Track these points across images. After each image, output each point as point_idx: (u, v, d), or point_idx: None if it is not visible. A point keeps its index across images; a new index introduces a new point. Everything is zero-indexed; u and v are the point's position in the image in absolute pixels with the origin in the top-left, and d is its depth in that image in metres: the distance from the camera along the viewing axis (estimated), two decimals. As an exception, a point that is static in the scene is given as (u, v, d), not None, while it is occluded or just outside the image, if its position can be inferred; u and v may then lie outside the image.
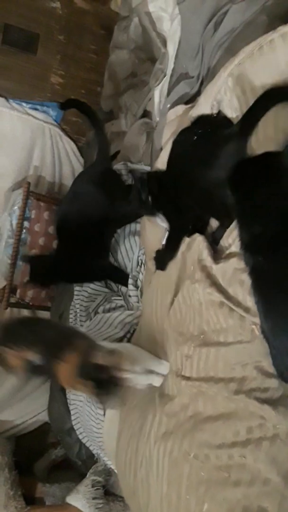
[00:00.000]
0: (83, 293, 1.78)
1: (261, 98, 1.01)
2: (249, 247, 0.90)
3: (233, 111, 1.13)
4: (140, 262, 1.63)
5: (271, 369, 0.95)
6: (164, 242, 1.33)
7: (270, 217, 0.88)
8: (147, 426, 1.20)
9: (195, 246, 1.18)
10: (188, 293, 1.16)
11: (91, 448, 1.81)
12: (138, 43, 2.00)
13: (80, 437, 1.84)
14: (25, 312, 2.34)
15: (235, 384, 1.02)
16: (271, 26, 1.20)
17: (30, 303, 2.22)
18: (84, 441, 1.83)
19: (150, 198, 1.32)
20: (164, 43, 1.64)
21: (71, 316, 1.95)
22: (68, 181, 2.71)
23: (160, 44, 1.70)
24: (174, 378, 1.17)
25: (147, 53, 1.93)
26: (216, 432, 1.01)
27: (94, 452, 1.80)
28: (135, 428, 1.26)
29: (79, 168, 2.72)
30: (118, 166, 1.87)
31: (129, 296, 1.63)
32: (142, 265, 1.62)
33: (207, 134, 1.18)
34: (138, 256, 1.58)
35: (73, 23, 2.57)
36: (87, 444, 1.82)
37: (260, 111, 1.02)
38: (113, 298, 1.71)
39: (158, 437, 1.14)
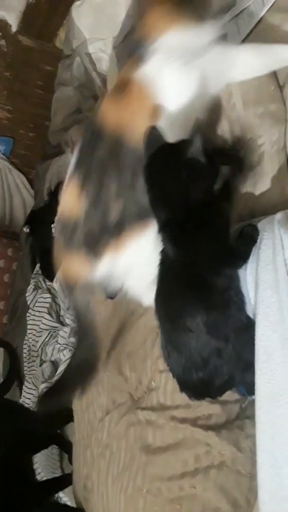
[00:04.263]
0: (34, 327, 1.76)
1: None
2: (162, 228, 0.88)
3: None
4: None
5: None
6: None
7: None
8: (105, 464, 1.19)
9: None
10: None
11: (49, 488, 1.75)
12: (82, 81, 2.06)
13: (39, 477, 1.79)
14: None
15: (181, 412, 1.04)
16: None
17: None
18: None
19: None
20: (105, 82, 1.70)
21: (24, 351, 1.92)
22: (19, 214, 2.70)
23: (100, 83, 1.77)
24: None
25: (91, 91, 1.99)
26: (166, 463, 1.01)
27: (53, 492, 1.74)
28: (88, 466, 1.25)
29: (30, 200, 2.72)
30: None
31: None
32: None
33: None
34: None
35: (19, 60, 2.60)
36: (46, 484, 1.76)
37: None
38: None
39: (117, 473, 1.13)
